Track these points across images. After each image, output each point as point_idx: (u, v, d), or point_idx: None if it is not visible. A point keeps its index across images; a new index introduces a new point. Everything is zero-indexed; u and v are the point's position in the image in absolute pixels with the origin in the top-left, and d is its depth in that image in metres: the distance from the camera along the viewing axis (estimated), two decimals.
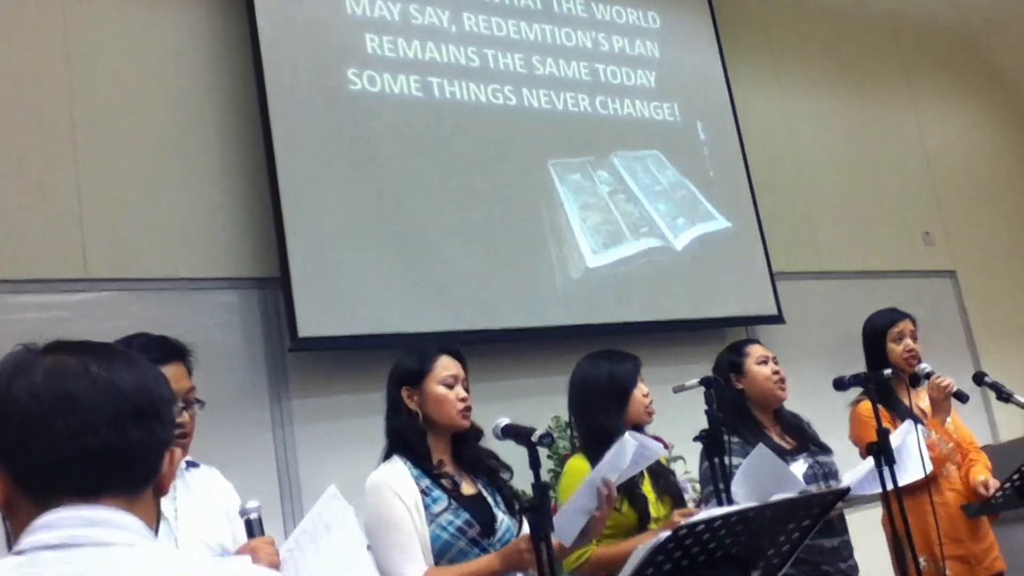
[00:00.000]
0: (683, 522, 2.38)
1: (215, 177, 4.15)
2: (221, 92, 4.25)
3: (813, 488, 3.20)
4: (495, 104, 4.86)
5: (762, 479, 2.86)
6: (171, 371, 2.18)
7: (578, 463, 2.90)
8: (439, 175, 4.58)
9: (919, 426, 3.36)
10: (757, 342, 3.53)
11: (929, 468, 3.28)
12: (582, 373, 3.03)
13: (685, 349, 5.09)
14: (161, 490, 1.22)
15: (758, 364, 3.37)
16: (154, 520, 1.20)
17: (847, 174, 6.52)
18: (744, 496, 2.80)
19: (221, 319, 4.00)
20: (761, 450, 2.92)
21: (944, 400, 3.54)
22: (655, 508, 2.92)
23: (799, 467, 3.05)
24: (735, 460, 2.94)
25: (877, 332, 3.83)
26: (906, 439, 3.24)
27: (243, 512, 2.19)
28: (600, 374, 2.98)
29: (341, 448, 3.94)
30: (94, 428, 1.11)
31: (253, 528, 2.16)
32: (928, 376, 3.58)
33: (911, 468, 3.20)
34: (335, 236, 4.19)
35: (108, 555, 1.09)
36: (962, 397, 3.57)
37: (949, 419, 3.63)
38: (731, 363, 3.41)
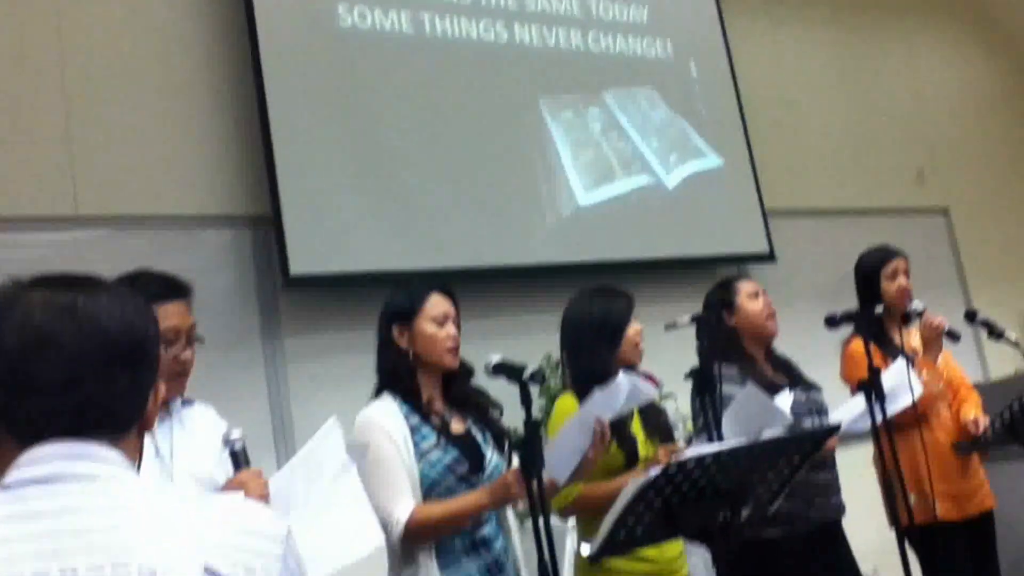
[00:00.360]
0: (672, 459, 2.41)
1: (206, 115, 4.11)
2: (211, 28, 4.18)
3: (806, 423, 3.23)
4: (486, 40, 4.80)
5: (751, 417, 2.88)
6: (175, 308, 2.20)
7: (567, 401, 2.90)
8: (430, 112, 4.53)
9: (910, 365, 3.38)
10: (746, 278, 3.52)
11: (919, 392, 3.29)
12: (575, 310, 3.01)
13: (676, 287, 5.08)
14: (146, 427, 1.22)
15: (749, 299, 3.37)
16: (136, 457, 1.20)
17: (840, 112, 6.48)
18: (734, 434, 2.82)
19: (214, 258, 3.98)
20: (750, 389, 2.93)
21: (936, 339, 3.55)
22: (644, 448, 2.92)
23: (785, 399, 3.05)
24: (728, 389, 2.94)
25: (870, 270, 3.81)
26: (898, 378, 3.25)
27: (227, 442, 2.18)
28: (594, 311, 2.96)
29: (333, 386, 3.94)
30: (80, 375, 1.11)
31: (238, 459, 2.15)
32: (920, 315, 3.58)
33: (901, 398, 3.20)
34: (326, 174, 4.17)
35: (93, 488, 1.09)
36: (954, 336, 3.58)
37: (940, 358, 3.64)
38: (722, 300, 3.39)
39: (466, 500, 2.45)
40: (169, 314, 2.17)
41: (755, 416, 2.89)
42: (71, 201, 3.72)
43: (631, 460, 2.85)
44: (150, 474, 2.09)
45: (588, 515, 2.78)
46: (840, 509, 3.31)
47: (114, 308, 1.15)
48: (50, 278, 1.17)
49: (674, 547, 2.85)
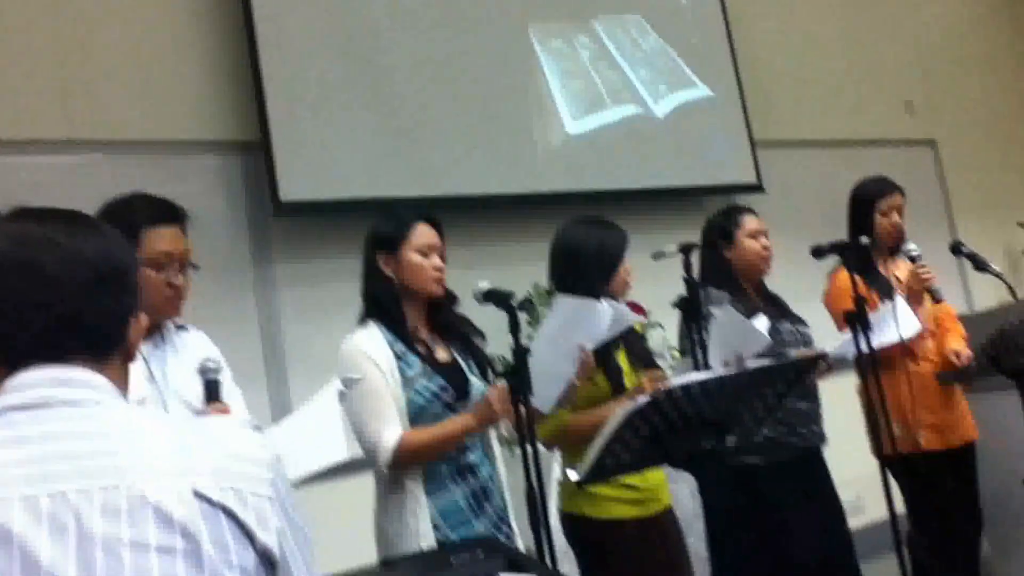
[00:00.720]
0: (658, 386, 2.43)
1: (198, 40, 4.10)
2: None
3: (792, 352, 3.26)
4: None
5: (731, 339, 2.90)
6: (170, 232, 2.19)
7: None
8: (420, 40, 4.48)
9: (896, 296, 3.41)
10: (752, 212, 3.47)
11: (919, 327, 3.33)
12: (572, 238, 2.96)
13: (664, 217, 5.08)
14: (129, 356, 1.22)
15: (749, 237, 3.36)
16: (124, 385, 1.20)
17: (830, 43, 6.42)
18: (715, 357, 2.84)
19: (205, 183, 3.99)
20: (726, 310, 2.94)
21: (920, 291, 3.55)
22: (629, 379, 2.92)
23: (761, 322, 3.07)
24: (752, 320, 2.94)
25: (866, 200, 3.80)
26: (890, 312, 3.27)
27: (203, 370, 2.16)
28: (591, 242, 2.91)
29: (324, 312, 3.96)
30: (59, 297, 1.12)
31: (211, 390, 2.14)
32: (914, 260, 3.58)
33: (899, 328, 3.22)
34: (316, 101, 4.15)
35: (78, 413, 1.10)
36: (936, 296, 3.58)
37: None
38: (723, 229, 3.39)
39: (452, 423, 2.47)
40: (163, 238, 2.16)
41: (735, 338, 2.92)
42: (64, 125, 3.73)
43: (617, 390, 2.86)
44: (144, 399, 2.11)
45: (574, 445, 2.79)
46: (821, 437, 3.35)
47: (91, 237, 1.17)
48: (28, 211, 1.19)
49: (657, 475, 2.88)
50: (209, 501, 1.07)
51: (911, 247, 3.63)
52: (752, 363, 2.86)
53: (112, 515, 1.03)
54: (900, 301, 3.37)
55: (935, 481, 3.63)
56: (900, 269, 3.81)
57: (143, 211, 2.17)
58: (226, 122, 4.08)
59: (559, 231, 3.01)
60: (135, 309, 1.21)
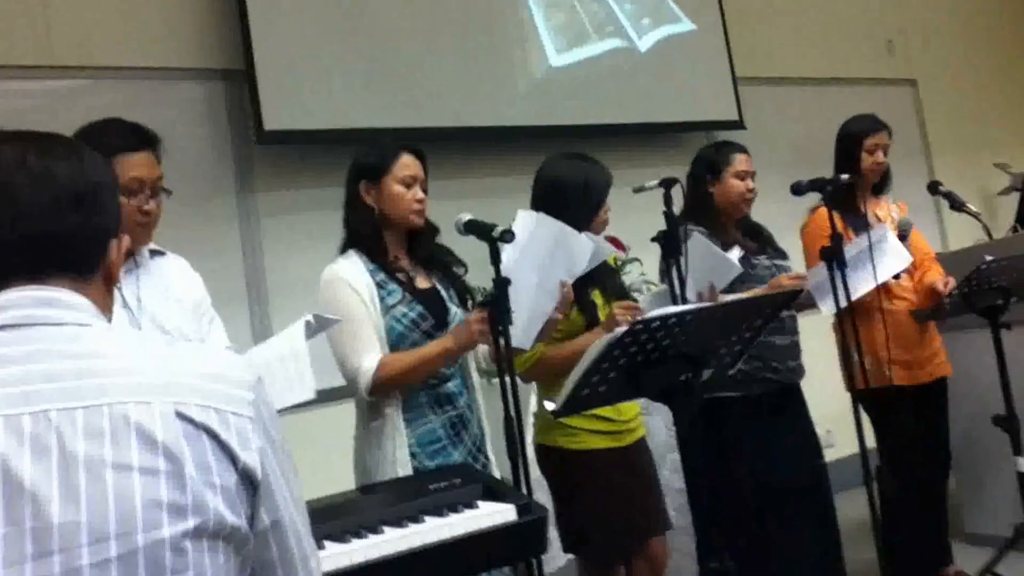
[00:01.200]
0: (632, 313, 2.46)
1: None
2: None
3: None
4: None
5: (703, 269, 2.93)
6: (142, 158, 2.18)
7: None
8: None
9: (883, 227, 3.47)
10: (744, 151, 3.47)
11: (907, 261, 3.42)
12: (559, 172, 2.97)
13: (644, 152, 5.08)
14: (111, 278, 1.22)
15: (736, 177, 3.38)
16: (108, 308, 1.20)
17: None
18: (691, 287, 2.87)
19: (188, 111, 3.95)
20: (696, 239, 2.96)
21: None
22: (603, 313, 2.94)
23: (734, 253, 3.09)
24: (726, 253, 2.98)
25: (853, 137, 3.81)
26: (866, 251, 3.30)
27: None
28: (578, 177, 2.92)
29: (306, 241, 3.96)
30: (30, 215, 1.11)
31: None
32: (904, 237, 3.63)
33: (875, 269, 3.27)
34: (300, 30, 4.10)
35: (61, 334, 1.10)
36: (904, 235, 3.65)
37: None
38: (711, 164, 3.40)
39: (431, 346, 2.49)
40: (134, 164, 2.15)
41: (707, 268, 2.94)
42: (45, 50, 3.66)
43: (591, 324, 2.88)
44: (118, 324, 2.10)
45: (549, 377, 2.83)
46: (798, 372, 3.40)
47: (65, 158, 1.16)
48: (2, 134, 1.18)
49: (631, 408, 2.93)
50: (192, 422, 1.07)
51: (907, 220, 3.68)
52: (730, 296, 2.90)
53: (95, 436, 1.03)
54: (888, 232, 3.39)
55: (904, 416, 3.70)
56: (882, 208, 3.85)
57: (116, 137, 2.15)
58: (210, 50, 4.02)
59: (545, 165, 3.01)
60: (115, 230, 1.21)
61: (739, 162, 3.40)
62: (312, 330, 2.27)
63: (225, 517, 1.07)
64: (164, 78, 3.89)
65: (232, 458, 1.09)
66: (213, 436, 1.08)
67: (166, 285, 2.29)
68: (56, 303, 1.11)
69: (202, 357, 1.17)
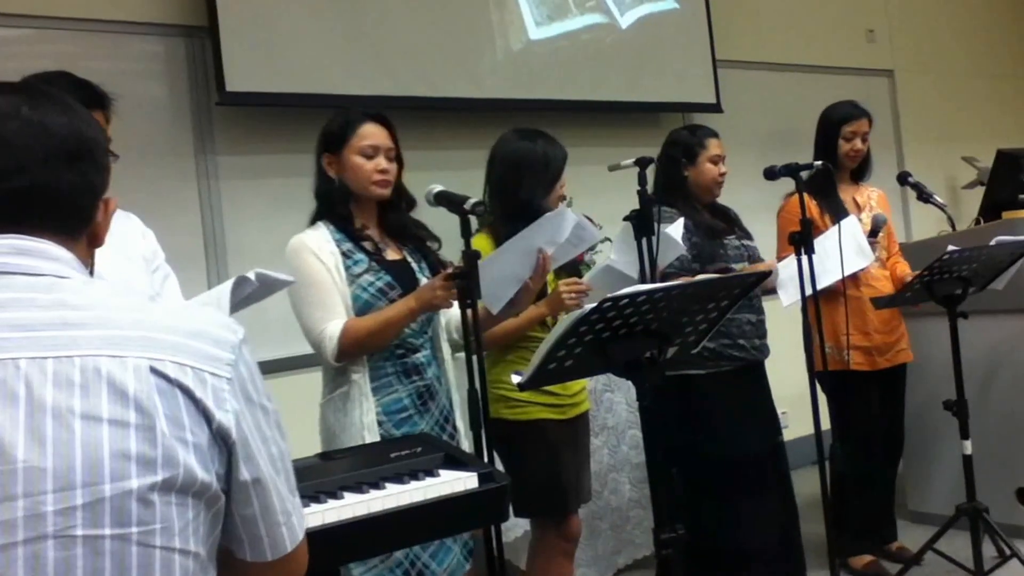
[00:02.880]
0: (568, 299, 2.50)
1: None
2: None
3: (738, 267, 3.33)
4: None
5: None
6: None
7: (481, 242, 2.88)
8: None
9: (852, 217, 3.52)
10: (716, 135, 3.51)
11: (869, 260, 3.49)
12: (514, 146, 2.98)
13: (619, 130, 5.08)
14: (96, 240, 1.22)
15: (710, 162, 3.42)
16: (88, 265, 1.20)
17: None
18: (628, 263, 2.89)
19: (146, 67, 3.83)
20: (624, 229, 2.92)
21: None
22: (552, 287, 2.96)
23: (676, 228, 3.09)
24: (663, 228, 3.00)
25: (832, 123, 3.87)
26: (842, 236, 3.35)
27: None
28: (536, 152, 2.94)
29: (267, 206, 3.91)
30: (24, 168, 1.11)
31: None
32: (877, 231, 3.69)
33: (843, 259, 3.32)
34: None
35: (38, 283, 1.09)
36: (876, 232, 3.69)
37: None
38: (687, 148, 3.43)
39: (394, 307, 2.49)
40: None
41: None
42: None
43: (541, 297, 2.90)
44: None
45: (496, 349, 2.91)
46: (764, 351, 3.47)
47: (58, 112, 1.16)
48: None
49: (578, 382, 2.98)
50: (166, 378, 1.07)
51: (880, 215, 3.75)
52: (700, 276, 2.92)
53: (64, 386, 1.03)
54: (853, 222, 3.44)
55: (860, 400, 3.79)
56: (861, 195, 3.91)
57: (63, 91, 2.09)
58: (171, 5, 3.88)
59: (499, 142, 3.03)
60: (103, 189, 1.20)
61: (713, 146, 3.45)
62: (252, 287, 2.19)
63: (196, 473, 1.07)
64: (123, 31, 3.75)
65: (207, 417, 1.09)
66: (187, 394, 1.08)
67: (116, 242, 2.23)
68: (35, 253, 1.11)
69: (184, 314, 1.16)
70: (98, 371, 1.04)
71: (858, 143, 3.83)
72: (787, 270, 3.27)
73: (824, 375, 3.46)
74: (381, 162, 2.57)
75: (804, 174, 3.28)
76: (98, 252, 2.11)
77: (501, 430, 2.88)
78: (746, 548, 3.33)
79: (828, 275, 3.34)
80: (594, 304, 2.00)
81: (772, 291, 3.40)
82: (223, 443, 1.11)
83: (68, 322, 1.06)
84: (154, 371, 1.07)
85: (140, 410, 1.05)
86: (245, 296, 2.19)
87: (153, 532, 1.04)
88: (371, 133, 2.58)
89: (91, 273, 1.20)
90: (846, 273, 3.36)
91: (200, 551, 1.10)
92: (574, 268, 3.16)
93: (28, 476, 1.00)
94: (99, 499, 1.02)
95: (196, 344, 1.11)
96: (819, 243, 3.25)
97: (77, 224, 1.17)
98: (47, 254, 1.12)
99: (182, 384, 1.08)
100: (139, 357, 1.06)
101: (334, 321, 2.46)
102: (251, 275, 2.16)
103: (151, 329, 1.10)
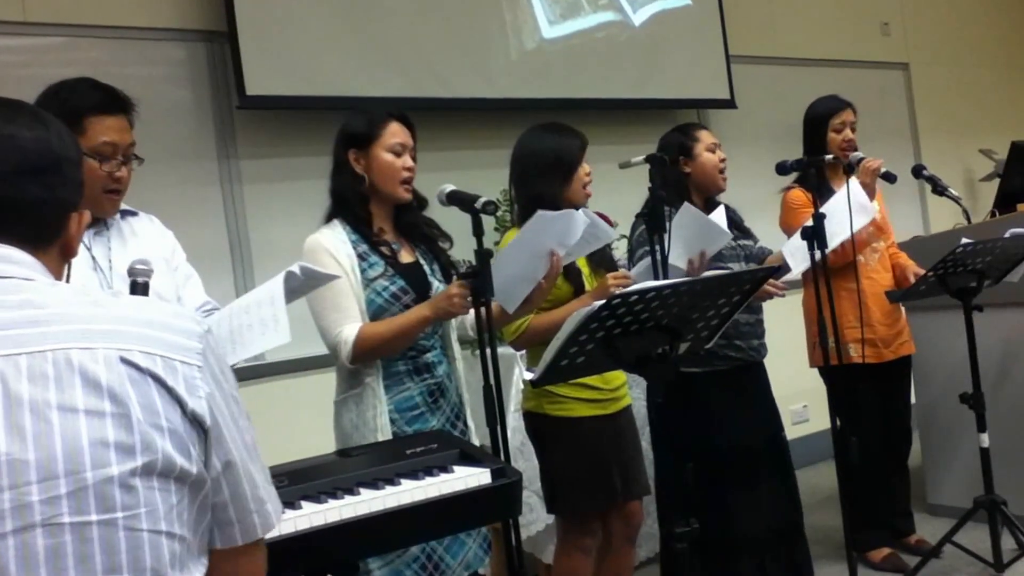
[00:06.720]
0: (618, 291, 2.49)
1: None
2: None
3: (734, 267, 3.34)
4: None
5: (692, 237, 2.97)
6: (115, 123, 2.13)
7: (510, 238, 2.89)
8: None
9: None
10: (705, 128, 3.54)
11: (870, 214, 3.46)
12: (527, 143, 3.01)
13: (633, 128, 5.09)
14: (68, 251, 1.24)
15: (707, 151, 3.42)
16: (59, 275, 1.23)
17: None
18: (677, 256, 2.91)
19: (168, 72, 3.89)
20: (685, 208, 3.00)
21: (872, 182, 3.62)
22: (589, 281, 3.00)
23: (719, 214, 3.12)
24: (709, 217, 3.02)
25: (819, 119, 3.89)
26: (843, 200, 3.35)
27: (132, 272, 2.03)
28: (546, 146, 2.96)
29: (290, 208, 3.94)
30: None
31: (137, 293, 2.02)
32: (859, 162, 3.65)
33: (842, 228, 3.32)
34: None
35: (7, 286, 1.13)
36: (889, 177, 3.66)
37: (875, 202, 3.72)
38: (681, 145, 3.44)
39: (409, 314, 2.50)
40: (107, 128, 2.11)
41: (695, 236, 2.98)
42: (19, 6, 3.58)
43: (577, 292, 2.93)
44: (89, 286, 2.08)
45: (538, 345, 2.86)
46: (762, 351, 3.47)
47: (29, 127, 1.18)
48: None
49: (618, 377, 2.98)
50: (136, 367, 1.10)
51: (855, 154, 3.71)
52: (709, 272, 2.94)
53: (39, 380, 1.06)
54: (854, 184, 3.44)
55: (865, 392, 3.79)
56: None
57: (88, 97, 2.10)
58: (191, 10, 3.94)
59: (518, 141, 3.04)
60: (76, 204, 1.23)
61: (706, 136, 3.46)
62: (299, 281, 2.20)
63: (174, 458, 1.11)
64: (144, 38, 3.81)
65: (180, 403, 1.12)
66: (159, 381, 1.12)
67: (137, 244, 2.26)
68: (6, 259, 1.14)
69: (147, 308, 1.20)
70: (70, 363, 1.08)
71: (848, 133, 3.85)
72: (795, 240, 3.27)
73: (829, 369, 3.47)
74: (408, 160, 2.60)
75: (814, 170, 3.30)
76: (122, 257, 2.15)
77: (542, 425, 2.94)
78: (736, 539, 3.32)
79: (835, 237, 3.33)
80: (602, 301, 2.03)
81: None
82: (199, 428, 1.14)
83: (37, 320, 1.10)
84: (124, 360, 1.10)
85: (114, 399, 1.08)
86: (291, 289, 2.19)
87: (139, 516, 1.08)
88: (398, 131, 2.61)
89: (60, 278, 1.24)
90: (857, 227, 3.34)
91: (187, 535, 1.14)
92: (610, 260, 3.16)
93: (12, 468, 1.04)
94: (82, 487, 1.05)
95: (163, 335, 1.15)
96: (826, 207, 3.26)
97: (45, 235, 1.20)
98: (11, 258, 1.15)
99: (152, 372, 1.11)
100: (108, 348, 1.10)
101: (349, 325, 2.48)
102: (296, 269, 2.17)
103: (117, 322, 1.13)
